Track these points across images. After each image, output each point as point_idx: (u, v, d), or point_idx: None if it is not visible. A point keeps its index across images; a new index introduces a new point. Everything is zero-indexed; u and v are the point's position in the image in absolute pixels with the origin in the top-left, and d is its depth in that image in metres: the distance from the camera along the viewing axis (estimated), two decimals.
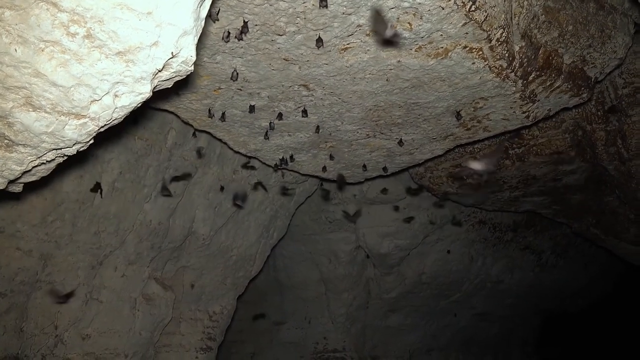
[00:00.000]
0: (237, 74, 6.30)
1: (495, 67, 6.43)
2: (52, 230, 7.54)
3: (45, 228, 7.45)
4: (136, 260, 8.97)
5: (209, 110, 7.30)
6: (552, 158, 10.17)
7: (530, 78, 6.98)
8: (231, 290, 11.42)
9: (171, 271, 10.15)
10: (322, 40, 5.67)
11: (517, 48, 6.51)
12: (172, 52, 3.69)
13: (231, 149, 8.88)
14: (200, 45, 5.88)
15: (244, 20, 5.44)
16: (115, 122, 4.07)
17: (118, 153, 8.11)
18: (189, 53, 3.84)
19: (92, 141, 4.11)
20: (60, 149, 3.96)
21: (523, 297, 17.52)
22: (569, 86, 7.44)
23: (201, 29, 3.91)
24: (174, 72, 3.95)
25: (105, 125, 3.97)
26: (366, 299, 15.43)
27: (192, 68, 4.02)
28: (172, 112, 7.82)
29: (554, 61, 7.05)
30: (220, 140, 8.64)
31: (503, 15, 5.94)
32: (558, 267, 17.28)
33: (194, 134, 8.71)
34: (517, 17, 6.26)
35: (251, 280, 12.14)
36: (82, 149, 4.15)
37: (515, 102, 7.31)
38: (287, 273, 15.42)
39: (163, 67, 3.76)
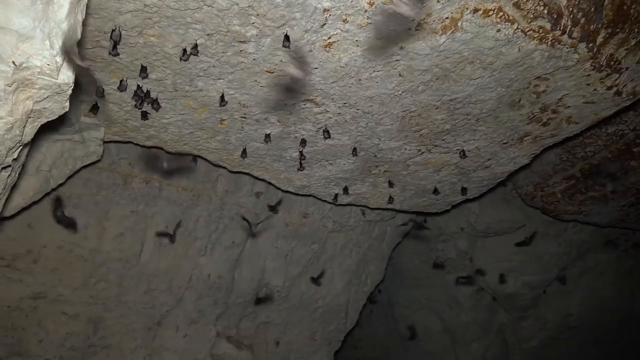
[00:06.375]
0: (224, 98, 5.61)
1: (534, 31, 4.86)
2: (96, 293, 7.39)
3: (88, 290, 7.32)
4: (199, 319, 8.46)
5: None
6: None
7: (600, 39, 5.20)
8: (324, 346, 10.34)
9: (250, 328, 9.46)
10: (289, 38, 4.76)
11: (564, 1, 4.89)
12: (13, 62, 3.13)
13: (279, 188, 8.13)
14: (169, 71, 5.37)
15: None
16: None
17: (161, 207, 7.85)
18: (44, 61, 3.23)
19: None
20: None
21: None
22: None
23: (61, 32, 3.28)
24: (40, 87, 3.37)
25: None
26: (503, 349, 13.10)
27: (65, 81, 3.40)
28: (202, 157, 7.38)
29: (632, 10, 5.20)
30: (264, 180, 7.97)
31: None
32: None
33: None
34: None
35: (364, 333, 10.86)
36: None
37: (588, 75, 5.50)
38: (406, 323, 13.82)
39: (12, 83, 3.20)
